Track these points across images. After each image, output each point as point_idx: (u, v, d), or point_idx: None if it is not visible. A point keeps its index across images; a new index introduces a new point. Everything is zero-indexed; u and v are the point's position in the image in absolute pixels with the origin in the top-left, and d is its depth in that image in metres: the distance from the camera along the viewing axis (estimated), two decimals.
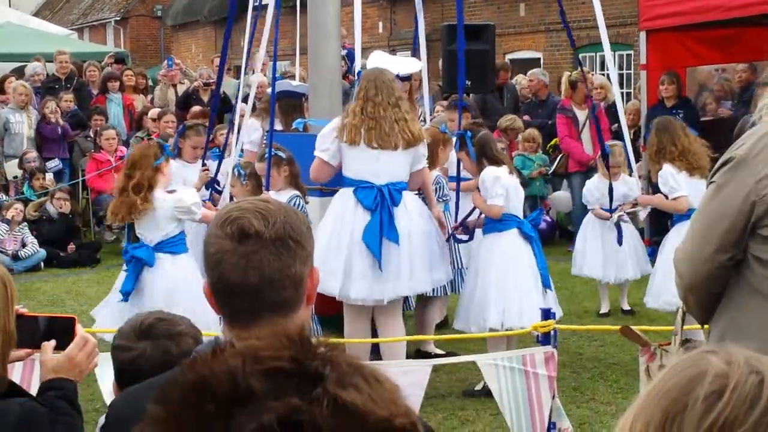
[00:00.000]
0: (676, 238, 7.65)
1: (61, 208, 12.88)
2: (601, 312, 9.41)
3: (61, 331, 2.89)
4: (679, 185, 7.74)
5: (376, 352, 7.00)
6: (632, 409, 1.35)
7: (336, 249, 6.76)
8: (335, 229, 6.81)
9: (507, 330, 6.89)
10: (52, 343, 2.87)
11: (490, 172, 7.13)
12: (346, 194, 6.89)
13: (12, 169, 14.06)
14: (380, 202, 6.75)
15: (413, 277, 6.87)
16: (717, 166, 2.87)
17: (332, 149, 6.85)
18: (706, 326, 3.03)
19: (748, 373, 1.35)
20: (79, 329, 2.92)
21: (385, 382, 1.15)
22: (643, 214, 9.19)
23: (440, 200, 7.71)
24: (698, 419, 1.31)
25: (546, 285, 7.13)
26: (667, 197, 7.91)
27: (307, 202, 7.38)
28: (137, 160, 6.98)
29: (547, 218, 13.40)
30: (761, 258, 2.82)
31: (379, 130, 6.77)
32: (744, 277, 2.86)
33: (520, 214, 7.27)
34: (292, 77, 12.79)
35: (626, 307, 9.45)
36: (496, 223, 7.17)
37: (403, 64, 8.88)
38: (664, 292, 7.69)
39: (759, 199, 2.76)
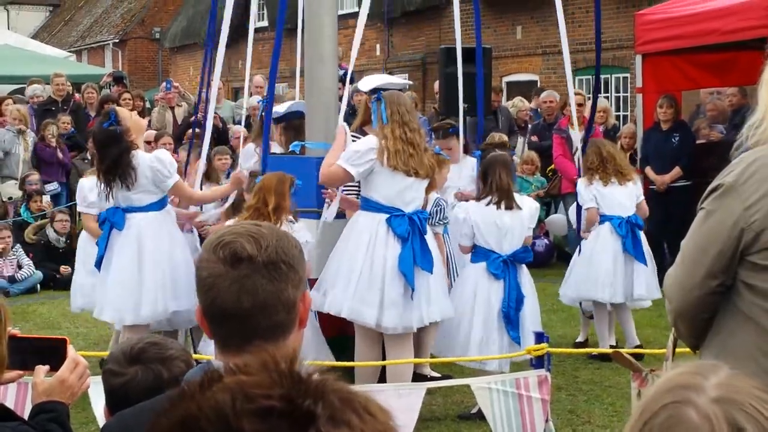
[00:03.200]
0: (587, 244, 8.61)
1: (63, 229, 12.88)
2: (577, 341, 9.10)
3: (53, 352, 2.89)
4: (583, 198, 8.55)
5: (382, 376, 6.99)
6: None
7: (369, 279, 6.69)
8: (367, 258, 6.73)
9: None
10: (45, 367, 2.87)
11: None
12: (376, 220, 6.80)
13: (6, 190, 14.08)
14: (411, 230, 6.76)
15: (441, 302, 6.95)
16: (706, 192, 2.89)
17: (365, 169, 6.75)
18: (697, 351, 3.03)
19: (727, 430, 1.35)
20: (71, 351, 2.91)
21: (377, 413, 1.13)
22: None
23: (440, 222, 7.72)
24: None
25: (509, 323, 7.09)
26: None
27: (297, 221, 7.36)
28: None
29: (545, 241, 13.41)
30: (750, 284, 2.82)
31: (417, 158, 6.81)
32: (734, 303, 2.87)
33: (505, 247, 7.23)
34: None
35: (579, 338, 9.17)
36: (471, 254, 7.35)
37: (389, 78, 8.92)
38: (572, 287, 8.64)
39: (747, 226, 2.77)
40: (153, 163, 7.05)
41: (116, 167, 7.07)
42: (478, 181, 7.46)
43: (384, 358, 6.96)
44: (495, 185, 7.22)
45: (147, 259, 7.11)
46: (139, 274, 7.09)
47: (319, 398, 1.09)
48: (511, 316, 7.08)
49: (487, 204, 7.20)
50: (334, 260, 6.89)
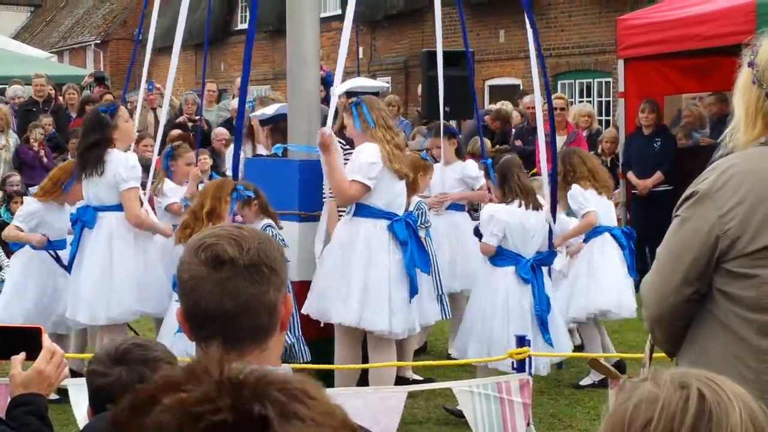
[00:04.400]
0: (587, 255, 8.14)
1: None
2: None
3: (28, 342, 2.86)
4: (588, 201, 8.05)
5: (363, 379, 6.97)
6: None
7: (378, 287, 6.68)
8: (374, 266, 6.71)
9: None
10: (22, 356, 2.85)
11: (486, 210, 7.26)
12: (378, 227, 6.77)
13: None
14: (408, 234, 6.77)
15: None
16: (681, 199, 2.90)
17: (377, 179, 6.72)
18: (673, 358, 3.05)
19: (674, 390, 1.43)
20: (46, 340, 2.88)
21: (317, 395, 1.08)
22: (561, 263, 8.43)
23: (422, 226, 7.74)
24: None
25: (542, 326, 7.03)
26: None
27: (281, 227, 7.35)
28: None
29: None
30: (726, 291, 2.84)
31: (406, 160, 6.85)
32: (709, 310, 2.89)
33: (529, 250, 7.15)
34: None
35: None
36: (495, 257, 7.20)
37: (364, 81, 8.93)
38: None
39: (723, 233, 2.79)
40: (119, 162, 7.07)
41: (89, 151, 7.09)
42: (496, 187, 7.36)
43: (365, 360, 6.97)
44: (519, 187, 7.14)
45: (116, 259, 7.12)
46: (109, 274, 7.10)
47: (265, 398, 1.03)
48: (544, 318, 7.03)
49: (518, 206, 7.10)
50: (335, 270, 6.78)
